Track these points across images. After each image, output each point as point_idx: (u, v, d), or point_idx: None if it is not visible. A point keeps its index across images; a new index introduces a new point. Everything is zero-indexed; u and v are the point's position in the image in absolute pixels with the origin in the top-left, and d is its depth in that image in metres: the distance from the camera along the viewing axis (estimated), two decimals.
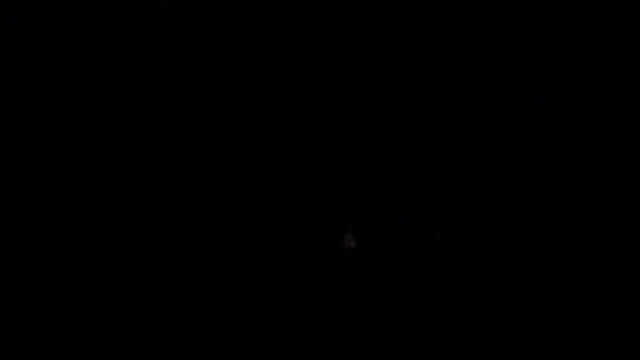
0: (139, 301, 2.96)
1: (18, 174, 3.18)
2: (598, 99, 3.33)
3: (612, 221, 3.19)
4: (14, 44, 3.27)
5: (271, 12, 3.45)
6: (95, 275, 3.02)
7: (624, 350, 2.82)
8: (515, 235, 3.20)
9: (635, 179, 3.23)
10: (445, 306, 2.98)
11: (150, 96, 3.38)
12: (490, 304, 2.99)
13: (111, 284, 3.01)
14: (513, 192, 3.28)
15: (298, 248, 3.17)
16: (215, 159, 3.35)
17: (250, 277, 3.07)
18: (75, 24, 3.33)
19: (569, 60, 3.39)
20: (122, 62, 3.38)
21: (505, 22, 3.43)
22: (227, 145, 3.37)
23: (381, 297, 3.00)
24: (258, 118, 3.42)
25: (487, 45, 3.43)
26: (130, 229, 3.15)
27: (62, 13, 3.31)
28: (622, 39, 3.33)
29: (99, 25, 3.36)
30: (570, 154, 3.30)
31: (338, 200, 3.26)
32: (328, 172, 3.32)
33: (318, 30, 3.46)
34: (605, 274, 3.05)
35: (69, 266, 3.03)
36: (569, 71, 3.38)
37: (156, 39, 3.40)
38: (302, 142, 3.38)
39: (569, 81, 3.37)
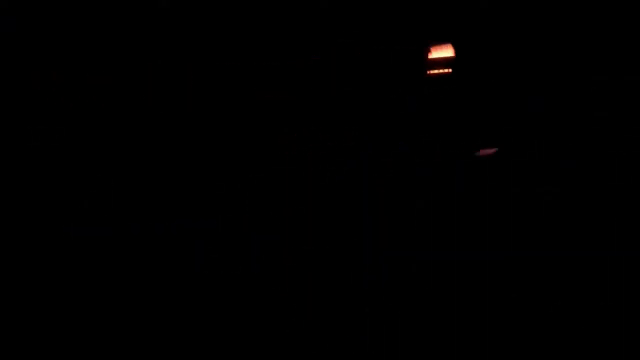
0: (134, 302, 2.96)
1: (16, 173, 3.18)
2: (598, 99, 3.33)
3: (612, 221, 3.19)
4: (14, 44, 3.27)
5: (271, 12, 3.45)
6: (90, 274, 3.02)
7: (624, 352, 2.82)
8: (514, 234, 3.19)
9: (635, 178, 3.23)
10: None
11: (149, 95, 3.38)
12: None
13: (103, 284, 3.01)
14: (512, 192, 3.27)
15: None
16: (216, 159, 3.35)
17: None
18: (75, 24, 3.33)
19: (569, 60, 3.39)
20: (122, 61, 3.38)
21: (505, 22, 3.43)
22: (227, 146, 3.38)
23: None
24: (258, 118, 3.42)
25: (486, 45, 3.43)
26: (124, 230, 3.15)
27: (62, 13, 3.31)
28: (622, 39, 3.33)
29: (99, 25, 3.36)
30: (570, 153, 3.30)
31: (338, 199, 3.26)
32: (327, 172, 3.32)
33: (318, 30, 3.46)
34: (605, 274, 3.05)
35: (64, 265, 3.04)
36: (569, 71, 3.38)
37: (156, 39, 3.40)
38: (301, 141, 3.38)
39: (569, 81, 3.37)
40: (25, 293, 2.93)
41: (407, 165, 3.32)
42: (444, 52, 3.38)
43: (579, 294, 3.00)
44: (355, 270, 3.09)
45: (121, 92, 3.36)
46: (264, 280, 3.07)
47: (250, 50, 3.44)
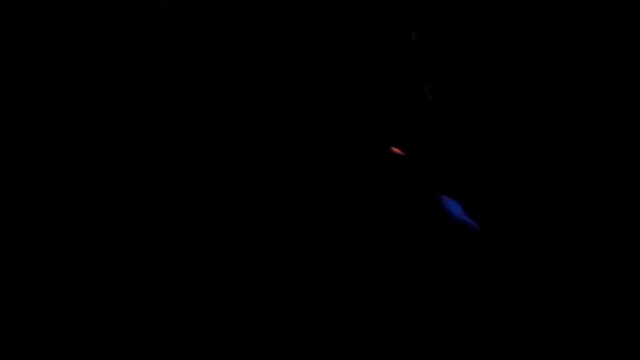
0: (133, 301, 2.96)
1: (17, 173, 3.18)
2: (598, 99, 3.33)
3: (612, 221, 3.19)
4: (14, 44, 3.27)
5: (271, 12, 3.46)
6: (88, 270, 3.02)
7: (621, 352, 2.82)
8: (512, 234, 3.19)
9: (635, 179, 3.23)
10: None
11: (149, 95, 3.38)
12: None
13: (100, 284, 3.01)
14: (512, 192, 3.27)
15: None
16: (216, 159, 3.35)
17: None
18: (75, 24, 3.33)
19: (569, 60, 3.39)
20: (122, 61, 3.38)
21: (504, 22, 3.43)
22: (227, 146, 3.38)
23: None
24: (258, 118, 3.42)
25: (486, 45, 3.44)
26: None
27: (62, 13, 3.31)
28: (622, 39, 3.33)
29: (99, 25, 3.36)
30: (570, 153, 3.30)
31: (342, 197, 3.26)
32: (327, 172, 3.32)
33: (318, 30, 3.46)
34: (605, 274, 3.05)
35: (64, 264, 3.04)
36: (569, 71, 3.38)
37: (156, 39, 3.40)
38: (301, 141, 3.38)
39: (569, 81, 3.37)
40: (25, 293, 2.93)
41: (407, 165, 3.32)
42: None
43: (580, 295, 3.00)
44: (355, 270, 3.09)
45: (121, 92, 3.36)
46: (264, 280, 3.07)
47: (250, 50, 3.44)
